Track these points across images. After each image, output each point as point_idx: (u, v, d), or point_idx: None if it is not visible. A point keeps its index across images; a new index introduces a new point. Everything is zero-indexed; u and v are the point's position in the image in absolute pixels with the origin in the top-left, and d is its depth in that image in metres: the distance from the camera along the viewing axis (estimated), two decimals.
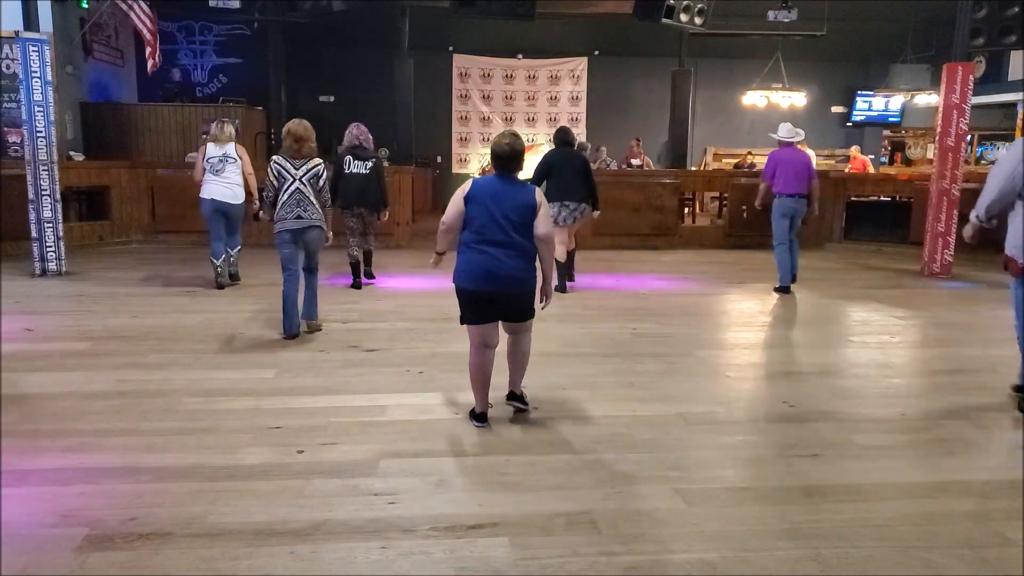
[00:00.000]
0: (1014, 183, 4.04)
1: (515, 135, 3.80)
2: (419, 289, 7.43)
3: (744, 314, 6.80)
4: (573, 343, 5.41)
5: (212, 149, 7.07)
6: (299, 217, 5.30)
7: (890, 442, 3.72)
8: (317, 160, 5.44)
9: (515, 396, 4.00)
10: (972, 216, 4.33)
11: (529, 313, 3.86)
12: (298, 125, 5.43)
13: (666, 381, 4.60)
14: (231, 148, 7.10)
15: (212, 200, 6.97)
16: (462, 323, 3.80)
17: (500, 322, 3.82)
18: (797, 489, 3.14)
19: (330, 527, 2.74)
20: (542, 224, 3.68)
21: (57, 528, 2.71)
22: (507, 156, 3.71)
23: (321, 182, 5.43)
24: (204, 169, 7.01)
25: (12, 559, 2.50)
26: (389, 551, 2.59)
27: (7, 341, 5.14)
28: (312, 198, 5.35)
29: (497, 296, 3.70)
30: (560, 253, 6.77)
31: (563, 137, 7.45)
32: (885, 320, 6.36)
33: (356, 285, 7.34)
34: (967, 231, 4.46)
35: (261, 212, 5.61)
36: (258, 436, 3.59)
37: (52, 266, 7.64)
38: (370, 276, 7.68)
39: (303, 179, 5.32)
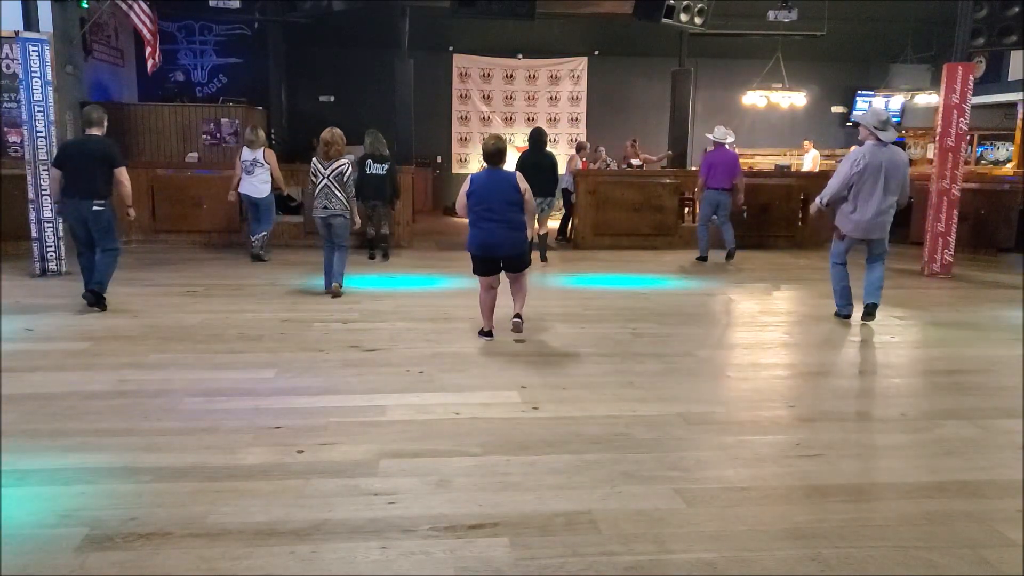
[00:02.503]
0: (846, 185, 5.80)
1: (499, 137, 5.23)
2: (419, 289, 7.42)
3: (744, 314, 6.80)
4: (573, 343, 5.41)
5: (246, 153, 8.51)
6: (325, 208, 6.68)
7: (890, 442, 3.72)
8: (343, 161, 6.71)
9: (518, 315, 5.35)
10: (817, 201, 6.12)
11: (524, 264, 5.29)
12: (327, 132, 6.70)
13: (666, 381, 4.60)
14: (260, 153, 8.52)
15: (246, 195, 8.61)
16: (474, 273, 5.29)
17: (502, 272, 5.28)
18: (797, 489, 3.14)
19: (330, 527, 2.75)
20: (529, 200, 5.17)
21: (57, 528, 2.71)
22: (492, 152, 5.10)
23: (345, 178, 6.69)
24: (241, 168, 8.52)
25: (12, 559, 2.50)
26: (389, 551, 2.59)
27: (7, 341, 5.14)
28: (338, 192, 6.64)
29: (497, 257, 5.16)
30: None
31: (538, 141, 8.75)
32: (885, 320, 6.35)
33: (371, 256, 9.00)
34: (812, 209, 6.35)
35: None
36: (258, 436, 3.59)
37: (52, 266, 7.64)
38: (386, 256, 9.05)
39: (330, 177, 6.62)
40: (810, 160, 14.25)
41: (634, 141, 12.74)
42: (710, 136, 9.25)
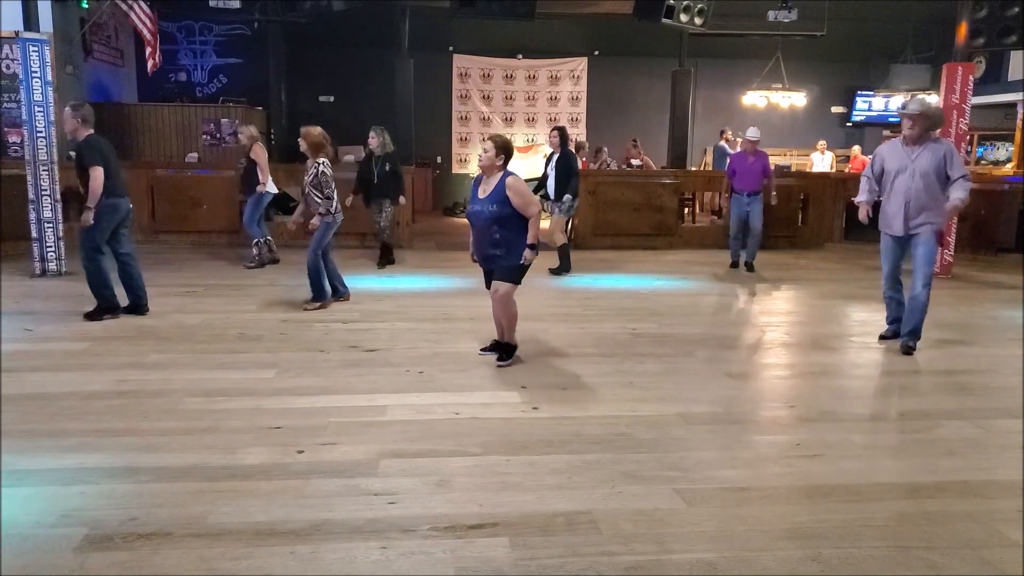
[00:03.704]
0: None
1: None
2: (419, 289, 7.42)
3: (744, 314, 6.80)
4: (573, 343, 5.41)
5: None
6: (340, 210, 6.38)
7: (890, 442, 3.72)
8: None
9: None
10: (961, 202, 5.16)
11: None
12: (322, 130, 6.34)
13: (666, 381, 4.59)
14: None
15: (273, 193, 8.40)
16: (519, 283, 4.74)
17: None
18: (797, 489, 3.14)
19: (330, 527, 2.74)
20: None
21: (57, 528, 2.71)
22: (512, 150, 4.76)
23: None
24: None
25: (12, 559, 2.50)
26: (389, 551, 2.59)
27: (7, 341, 5.14)
28: None
29: None
30: (560, 238, 8.31)
31: (568, 139, 8.40)
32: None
33: (392, 260, 8.62)
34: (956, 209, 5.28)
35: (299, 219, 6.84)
36: (258, 436, 3.59)
37: (52, 266, 7.64)
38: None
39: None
40: (828, 161, 14.01)
41: (635, 141, 12.75)
42: (753, 137, 8.75)
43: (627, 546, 2.65)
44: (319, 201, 6.19)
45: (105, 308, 5.84)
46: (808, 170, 13.63)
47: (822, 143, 14.22)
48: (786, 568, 2.53)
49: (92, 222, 5.70)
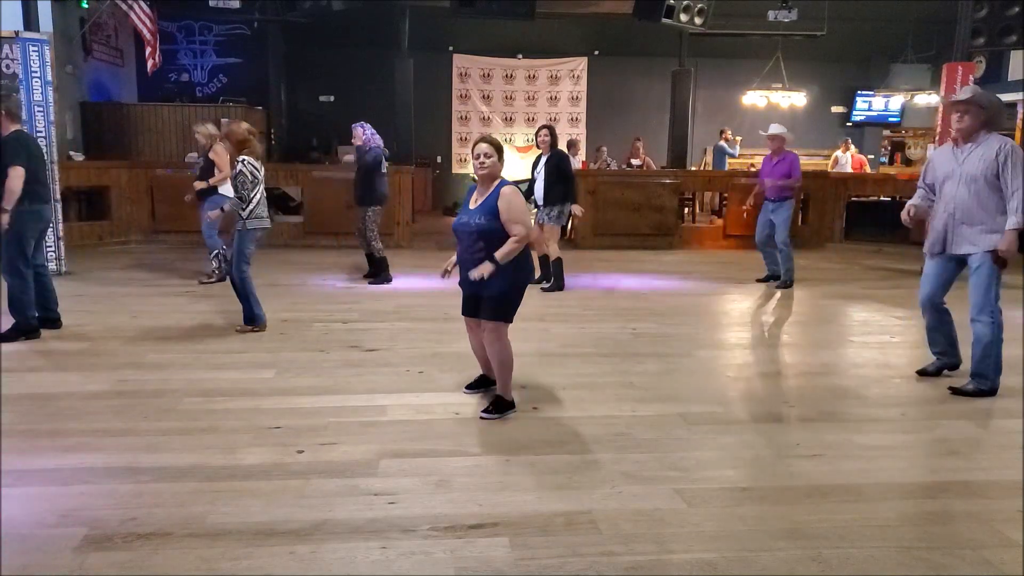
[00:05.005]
0: None
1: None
2: (419, 289, 7.42)
3: (744, 314, 6.80)
4: (573, 343, 5.40)
5: None
6: (270, 217, 5.63)
7: (890, 442, 3.71)
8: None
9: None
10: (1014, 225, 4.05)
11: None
12: (247, 125, 5.61)
13: (666, 381, 4.59)
14: None
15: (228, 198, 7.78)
16: (512, 320, 3.93)
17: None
18: (797, 489, 3.14)
19: (330, 527, 2.74)
20: None
21: (57, 528, 2.70)
22: None
23: None
24: None
25: (12, 559, 2.50)
26: (389, 551, 2.59)
27: (7, 341, 5.13)
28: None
29: None
30: (554, 250, 7.37)
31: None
32: (885, 320, 6.35)
33: (388, 278, 7.65)
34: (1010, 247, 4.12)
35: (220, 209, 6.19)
36: (258, 436, 3.58)
37: (52, 266, 7.60)
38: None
39: (263, 179, 5.55)
40: (850, 160, 13.77)
41: (638, 139, 12.76)
42: (786, 133, 7.82)
43: (627, 546, 2.64)
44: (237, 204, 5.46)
45: (24, 329, 5.20)
46: (832, 168, 13.55)
47: (846, 140, 14.18)
48: (786, 568, 2.53)
49: (7, 226, 5.02)
